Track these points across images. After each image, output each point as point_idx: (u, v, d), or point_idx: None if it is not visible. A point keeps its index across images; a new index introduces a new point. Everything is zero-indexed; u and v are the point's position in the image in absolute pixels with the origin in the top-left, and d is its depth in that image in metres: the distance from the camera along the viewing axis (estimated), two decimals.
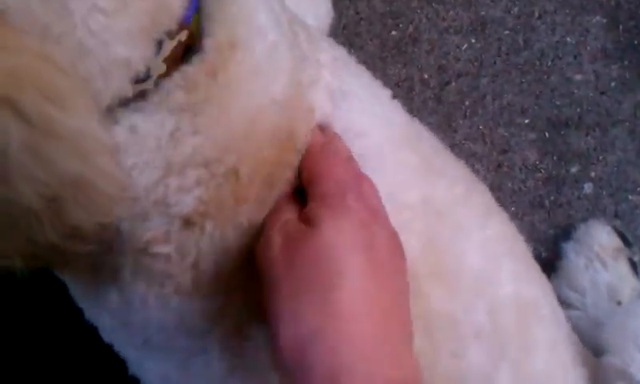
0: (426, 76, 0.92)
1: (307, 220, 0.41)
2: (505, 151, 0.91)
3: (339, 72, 0.49)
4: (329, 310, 0.37)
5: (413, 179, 0.52)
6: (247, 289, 0.43)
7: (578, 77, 0.95)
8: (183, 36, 0.37)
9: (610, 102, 0.94)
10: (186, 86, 0.38)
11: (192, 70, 0.39)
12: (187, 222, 0.41)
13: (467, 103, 0.92)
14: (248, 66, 0.41)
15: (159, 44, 0.36)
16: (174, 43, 0.37)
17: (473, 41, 0.94)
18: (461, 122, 0.91)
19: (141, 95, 0.37)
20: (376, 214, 0.42)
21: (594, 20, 0.97)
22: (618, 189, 0.92)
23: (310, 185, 0.43)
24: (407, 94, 0.91)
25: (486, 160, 0.91)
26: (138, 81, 0.36)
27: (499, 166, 0.91)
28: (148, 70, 0.36)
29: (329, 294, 0.37)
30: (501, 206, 0.87)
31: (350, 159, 0.45)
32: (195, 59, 0.39)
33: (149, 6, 0.35)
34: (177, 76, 0.38)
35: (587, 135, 0.93)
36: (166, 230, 0.41)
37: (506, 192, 0.90)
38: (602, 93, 0.94)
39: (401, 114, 0.58)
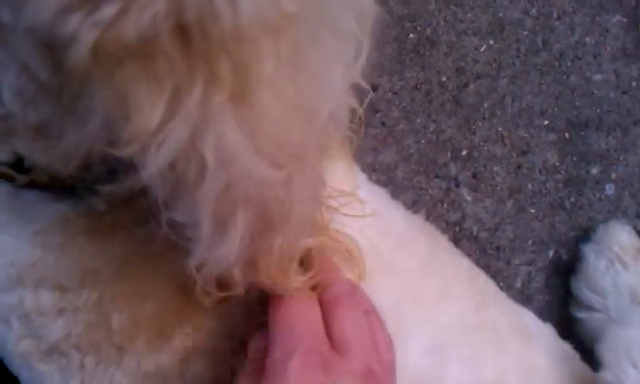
0: (444, 78, 0.92)
1: None
2: (524, 153, 0.91)
3: None
4: None
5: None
6: None
7: (598, 77, 0.94)
8: None
9: (632, 102, 0.93)
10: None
11: None
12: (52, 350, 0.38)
13: (486, 105, 0.92)
14: None
15: None
16: None
17: (491, 42, 0.94)
18: (480, 124, 0.91)
19: None
20: (329, 368, 0.37)
21: (614, 19, 0.96)
22: None
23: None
24: (425, 96, 0.91)
25: (506, 162, 0.90)
26: None
27: (519, 167, 0.91)
28: None
29: None
30: (521, 208, 0.87)
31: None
32: None
33: None
34: None
35: (608, 135, 0.92)
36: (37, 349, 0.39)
37: (527, 194, 0.90)
38: (623, 92, 0.94)
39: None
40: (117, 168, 0.29)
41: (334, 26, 0.28)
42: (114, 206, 0.35)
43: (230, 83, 0.25)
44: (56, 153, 0.30)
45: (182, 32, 0.23)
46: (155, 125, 0.25)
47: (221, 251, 0.29)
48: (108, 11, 0.22)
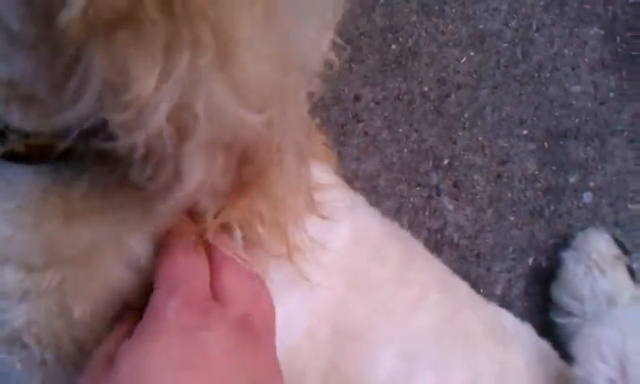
0: (425, 89, 0.94)
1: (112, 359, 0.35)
2: (504, 162, 0.93)
3: None
4: None
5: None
6: None
7: (577, 88, 0.96)
8: None
9: (609, 113, 0.95)
10: None
11: None
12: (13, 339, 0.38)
13: (467, 115, 0.94)
14: None
15: None
16: None
17: (472, 54, 0.96)
18: (460, 133, 0.93)
19: None
20: (207, 312, 0.36)
21: (592, 32, 0.98)
22: (618, 198, 0.93)
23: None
24: (407, 106, 0.93)
25: (486, 171, 0.92)
26: None
27: (499, 176, 0.92)
28: None
29: None
30: (501, 216, 0.89)
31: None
32: None
33: None
34: None
35: (586, 145, 0.94)
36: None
37: (506, 202, 0.92)
38: (601, 103, 0.96)
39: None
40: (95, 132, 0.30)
41: None
42: (92, 188, 0.36)
43: (212, 46, 0.27)
44: (41, 118, 0.31)
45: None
46: (151, 89, 0.27)
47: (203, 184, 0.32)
48: None
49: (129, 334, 0.36)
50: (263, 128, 0.31)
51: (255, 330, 0.38)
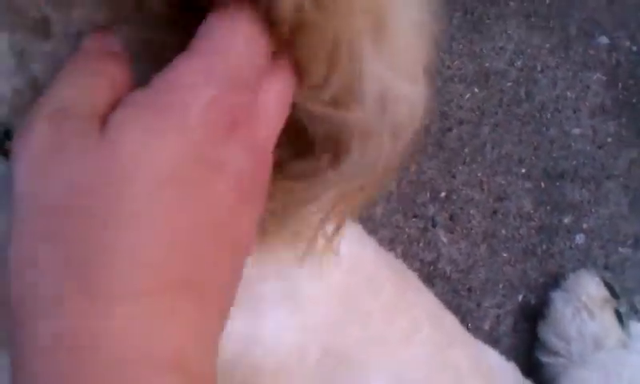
0: (428, 121, 0.96)
1: (106, 119, 0.26)
2: (501, 199, 0.95)
3: None
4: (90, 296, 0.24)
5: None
6: None
7: (576, 131, 0.98)
8: None
9: (606, 157, 0.97)
10: None
11: None
12: None
13: (467, 150, 0.96)
14: None
15: None
16: None
17: (476, 90, 0.98)
18: (460, 167, 0.95)
19: None
20: (235, 126, 0.27)
21: (595, 77, 1.00)
22: (609, 241, 0.95)
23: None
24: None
25: (482, 206, 0.94)
26: None
27: (495, 212, 0.94)
28: None
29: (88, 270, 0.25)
30: (494, 251, 0.91)
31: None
32: None
33: None
34: None
35: (582, 188, 0.96)
36: None
37: (500, 239, 0.93)
38: (599, 147, 0.98)
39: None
40: None
41: None
42: None
43: (371, 24, 0.28)
44: None
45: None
46: (323, 75, 0.28)
47: None
48: None
49: (123, 88, 0.28)
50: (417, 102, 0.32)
51: (261, 177, 0.29)
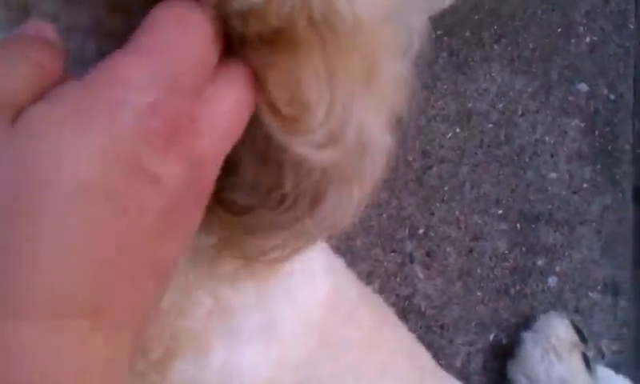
0: (410, 159, 0.98)
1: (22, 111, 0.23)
2: (477, 238, 0.97)
3: None
4: None
5: None
6: None
7: (553, 175, 1.01)
8: None
9: (581, 202, 1.00)
10: None
11: None
12: None
13: (446, 188, 0.98)
14: None
15: None
16: None
17: (458, 130, 1.00)
18: (439, 205, 0.97)
19: None
20: (176, 135, 0.24)
21: (573, 123, 1.03)
22: (581, 285, 0.97)
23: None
24: (391, 173, 0.97)
25: (459, 244, 0.96)
26: None
27: (470, 251, 0.96)
28: None
29: None
30: (468, 290, 0.93)
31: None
32: None
33: None
34: None
35: (556, 231, 0.99)
36: None
37: (475, 277, 0.95)
38: (574, 192, 1.00)
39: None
40: None
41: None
42: None
43: (361, 71, 0.27)
44: None
45: (316, 26, 0.25)
46: (322, 117, 0.27)
47: None
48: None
49: (52, 80, 0.25)
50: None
51: (198, 199, 0.26)
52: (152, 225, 0.24)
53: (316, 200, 0.30)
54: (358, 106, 0.28)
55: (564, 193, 1.00)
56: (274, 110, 0.27)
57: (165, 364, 0.42)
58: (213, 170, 0.26)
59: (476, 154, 1.00)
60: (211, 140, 0.25)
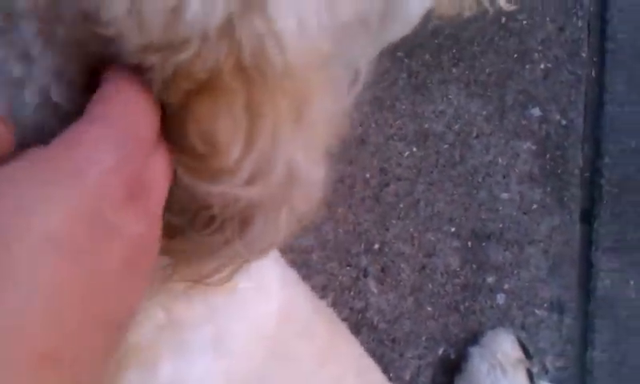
0: (367, 176, 1.01)
1: None
2: (430, 255, 1.00)
3: None
4: None
5: None
6: None
7: (505, 195, 1.05)
8: None
9: (530, 223, 1.04)
10: None
11: None
12: None
13: (402, 206, 1.01)
14: None
15: None
16: None
17: (415, 150, 1.03)
18: (394, 222, 1.00)
19: None
20: (134, 197, 0.27)
21: (525, 146, 1.07)
22: (528, 303, 1.01)
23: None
24: (348, 190, 1.00)
25: (412, 261, 0.99)
26: None
27: (423, 267, 0.99)
28: None
29: None
30: (420, 305, 0.96)
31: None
32: None
33: None
34: None
35: (506, 250, 1.02)
36: None
37: (426, 293, 0.99)
38: (524, 213, 1.04)
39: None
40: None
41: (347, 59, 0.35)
42: None
43: (290, 112, 0.29)
44: None
45: (243, 71, 0.27)
46: (238, 157, 0.29)
47: None
48: (184, 55, 0.27)
49: (7, 148, 0.27)
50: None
51: (153, 246, 0.29)
52: (114, 274, 0.26)
53: (245, 223, 0.32)
54: (287, 143, 0.30)
55: (514, 213, 1.04)
56: (192, 155, 0.29)
57: (112, 377, 0.43)
58: (160, 218, 0.29)
59: (431, 173, 1.03)
60: (157, 194, 0.29)
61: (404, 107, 1.04)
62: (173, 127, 0.29)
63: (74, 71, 0.30)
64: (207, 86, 0.28)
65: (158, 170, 0.29)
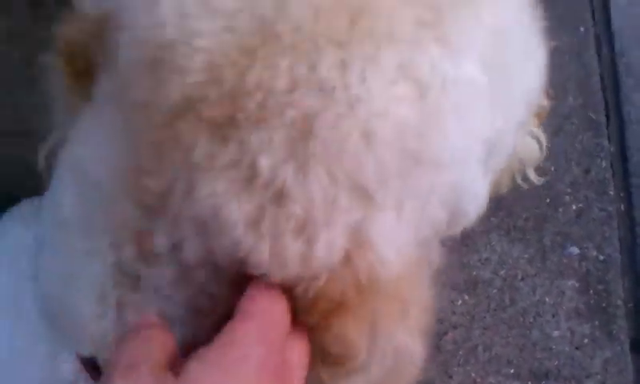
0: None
1: None
2: None
3: None
4: None
5: None
6: None
7: (556, 333, 1.11)
8: None
9: (584, 357, 1.09)
10: None
11: None
12: None
13: (461, 352, 1.08)
14: None
15: None
16: None
17: (466, 297, 1.11)
18: (456, 369, 1.06)
19: None
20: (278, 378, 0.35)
21: (569, 283, 1.15)
22: None
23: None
24: None
25: None
26: None
27: None
28: None
29: None
30: None
31: None
32: None
33: None
34: None
35: None
36: None
37: None
38: (576, 348, 1.10)
39: None
40: None
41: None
42: None
43: (397, 312, 0.39)
44: None
45: (362, 289, 0.37)
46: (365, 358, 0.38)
47: None
48: (317, 282, 0.37)
49: (174, 349, 0.35)
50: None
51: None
52: None
53: None
54: (396, 333, 0.39)
55: (567, 349, 1.10)
56: (326, 357, 0.38)
57: None
58: None
59: (485, 318, 1.10)
60: (299, 375, 0.37)
61: (453, 258, 1.13)
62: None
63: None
64: (339, 305, 0.37)
65: (297, 356, 0.37)
